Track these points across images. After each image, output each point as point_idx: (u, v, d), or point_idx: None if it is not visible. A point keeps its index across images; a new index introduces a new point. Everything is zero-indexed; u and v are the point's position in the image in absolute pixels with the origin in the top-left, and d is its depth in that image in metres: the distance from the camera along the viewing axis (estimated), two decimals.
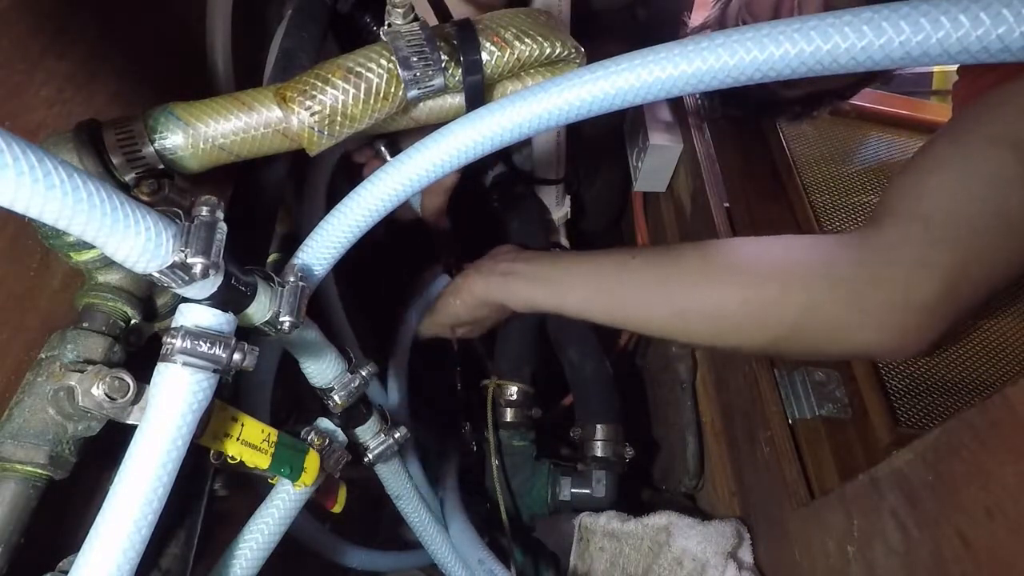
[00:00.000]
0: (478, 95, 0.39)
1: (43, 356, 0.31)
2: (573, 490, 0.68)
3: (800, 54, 0.25)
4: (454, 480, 0.66)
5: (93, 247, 0.30)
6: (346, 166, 0.61)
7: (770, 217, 0.70)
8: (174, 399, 0.26)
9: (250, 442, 0.33)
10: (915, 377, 0.59)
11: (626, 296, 0.52)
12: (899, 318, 0.44)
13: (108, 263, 0.33)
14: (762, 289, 0.46)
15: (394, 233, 0.72)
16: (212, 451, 0.32)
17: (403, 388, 0.66)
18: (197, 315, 0.27)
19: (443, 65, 0.36)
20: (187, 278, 0.26)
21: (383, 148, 0.55)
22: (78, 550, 0.25)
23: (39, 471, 0.29)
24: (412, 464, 0.61)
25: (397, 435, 0.47)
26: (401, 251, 0.76)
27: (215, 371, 0.27)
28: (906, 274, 0.43)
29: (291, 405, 0.52)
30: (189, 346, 0.26)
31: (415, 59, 0.35)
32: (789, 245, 0.49)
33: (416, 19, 0.36)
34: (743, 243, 0.51)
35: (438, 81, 0.37)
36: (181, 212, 0.26)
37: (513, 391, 0.70)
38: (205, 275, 0.26)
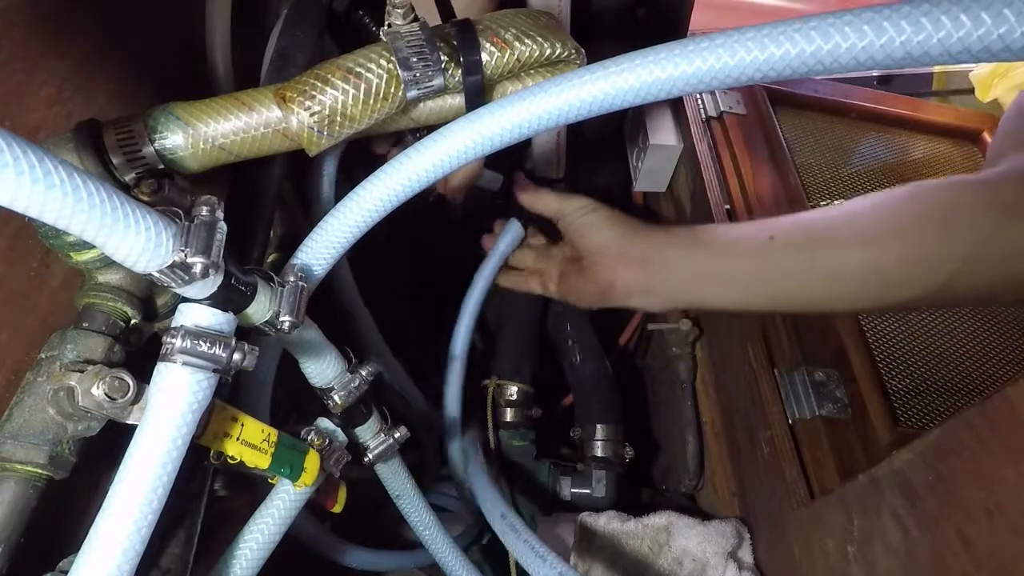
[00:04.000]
0: (478, 95, 0.39)
1: (43, 356, 0.31)
2: (573, 490, 0.68)
3: (800, 54, 0.25)
4: (475, 437, 0.66)
5: (93, 247, 0.30)
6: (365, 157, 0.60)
7: (770, 217, 0.70)
8: (174, 399, 0.26)
9: (250, 442, 0.33)
10: (915, 377, 0.59)
11: (776, 287, 0.49)
12: None
13: (108, 263, 0.33)
14: (921, 241, 0.44)
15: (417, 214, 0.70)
16: (212, 451, 0.32)
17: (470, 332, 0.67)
18: (197, 315, 0.27)
19: (443, 65, 0.37)
20: (187, 278, 0.26)
21: (410, 137, 0.54)
22: (78, 550, 0.25)
23: (39, 471, 0.29)
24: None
25: (397, 435, 0.47)
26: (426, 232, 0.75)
27: (215, 371, 0.27)
28: None
29: (291, 405, 0.52)
30: (189, 346, 0.26)
31: (415, 59, 0.35)
32: (935, 186, 0.46)
33: (416, 19, 0.36)
34: (876, 200, 0.47)
35: (438, 81, 0.37)
36: (181, 212, 0.26)
37: (513, 391, 0.70)
38: (205, 275, 0.26)
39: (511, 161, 0.78)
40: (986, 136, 0.87)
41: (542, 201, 0.61)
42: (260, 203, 0.42)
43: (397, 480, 0.51)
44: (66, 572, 0.27)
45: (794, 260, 0.48)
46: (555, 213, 0.59)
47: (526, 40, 0.38)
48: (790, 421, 0.55)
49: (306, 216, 0.54)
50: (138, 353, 0.34)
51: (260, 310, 0.31)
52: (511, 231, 0.66)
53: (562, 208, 0.59)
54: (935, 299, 0.48)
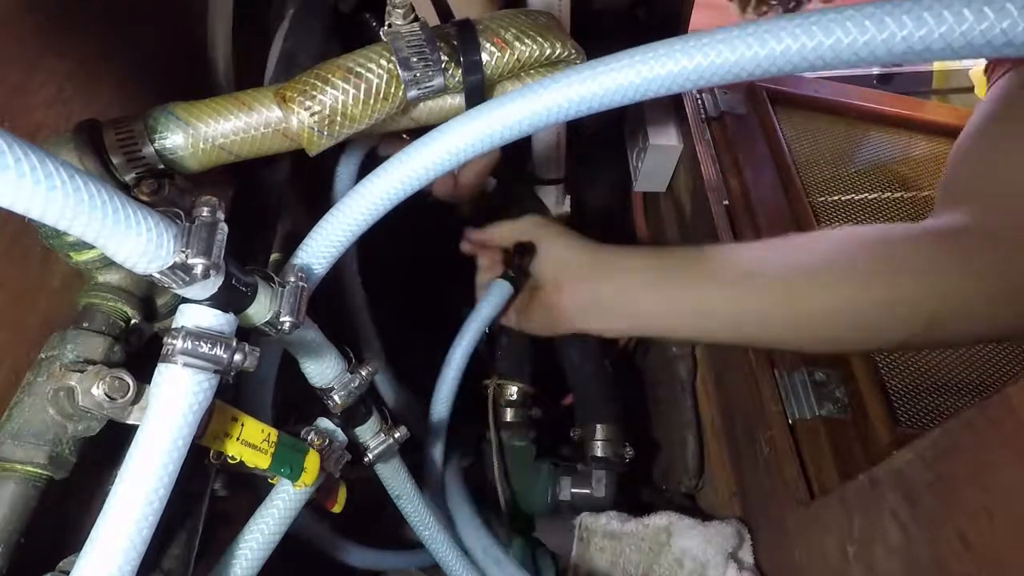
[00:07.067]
0: (478, 95, 0.39)
1: (43, 356, 0.31)
2: (573, 490, 0.68)
3: (801, 49, 0.25)
4: (456, 468, 0.66)
5: (93, 247, 0.30)
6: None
7: (770, 217, 0.70)
8: (175, 400, 0.26)
9: (250, 442, 0.33)
10: (915, 377, 0.59)
11: (742, 325, 0.49)
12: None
13: (108, 263, 0.33)
14: (893, 288, 0.45)
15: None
16: (212, 451, 0.32)
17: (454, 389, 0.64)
18: (198, 315, 0.27)
19: (443, 66, 0.37)
20: (188, 279, 0.26)
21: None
22: (79, 550, 0.25)
23: (39, 471, 0.29)
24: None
25: (397, 435, 0.47)
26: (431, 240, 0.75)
27: (216, 372, 0.27)
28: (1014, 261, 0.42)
29: (291, 405, 0.52)
30: (190, 347, 0.26)
31: (415, 59, 0.35)
32: (905, 236, 0.47)
33: (416, 19, 0.36)
34: (850, 241, 0.48)
35: (438, 81, 0.37)
36: (182, 212, 0.26)
37: (513, 391, 0.70)
38: (206, 276, 0.26)
39: (510, 162, 0.78)
40: None
41: (496, 235, 0.61)
42: (263, 203, 0.42)
43: (397, 480, 0.51)
44: (67, 572, 0.27)
45: (770, 303, 0.48)
46: (511, 237, 0.59)
47: (526, 40, 0.38)
48: (790, 421, 0.55)
49: (308, 216, 0.54)
50: (138, 353, 0.34)
51: (261, 311, 0.31)
52: (497, 293, 0.60)
53: (515, 229, 0.58)
54: (920, 343, 0.49)
